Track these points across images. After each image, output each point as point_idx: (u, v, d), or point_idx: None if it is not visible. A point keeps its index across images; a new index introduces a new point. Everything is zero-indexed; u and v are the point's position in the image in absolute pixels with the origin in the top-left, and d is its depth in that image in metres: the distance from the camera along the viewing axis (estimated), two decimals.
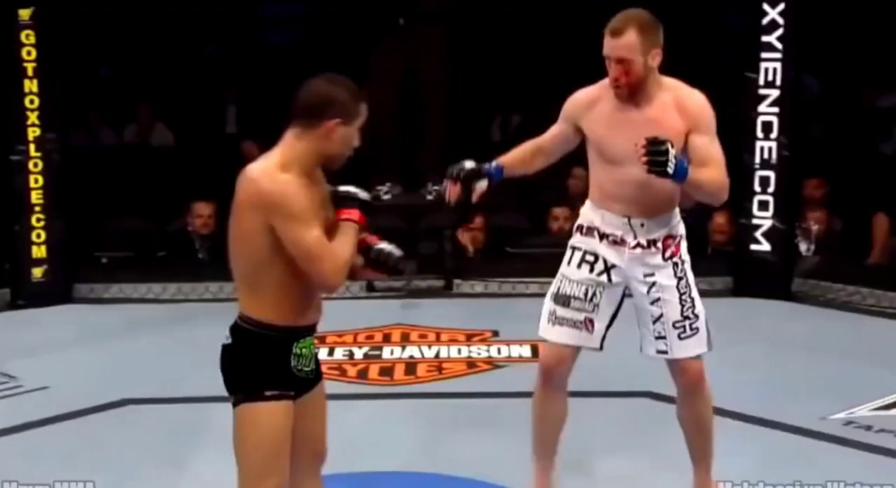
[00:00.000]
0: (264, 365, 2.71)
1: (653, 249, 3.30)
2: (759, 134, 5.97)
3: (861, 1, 8.03)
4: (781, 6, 5.83)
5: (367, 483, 3.74)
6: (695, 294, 3.33)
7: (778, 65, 5.91)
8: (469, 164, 3.49)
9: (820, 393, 4.49)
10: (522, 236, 7.11)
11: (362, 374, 4.92)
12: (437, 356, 5.17)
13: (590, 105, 3.35)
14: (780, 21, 5.84)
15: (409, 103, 6.14)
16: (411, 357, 5.16)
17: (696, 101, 3.25)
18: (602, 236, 3.35)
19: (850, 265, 6.48)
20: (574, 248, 3.42)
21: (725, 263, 6.24)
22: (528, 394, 4.63)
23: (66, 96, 6.23)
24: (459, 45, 7.57)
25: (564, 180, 7.23)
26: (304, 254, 2.60)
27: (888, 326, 5.56)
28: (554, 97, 9.69)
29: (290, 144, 2.69)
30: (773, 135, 5.93)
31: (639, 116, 3.21)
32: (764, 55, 5.89)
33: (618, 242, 3.32)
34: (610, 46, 3.18)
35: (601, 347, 3.45)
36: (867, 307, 5.86)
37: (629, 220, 3.30)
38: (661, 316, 3.31)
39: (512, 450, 4.02)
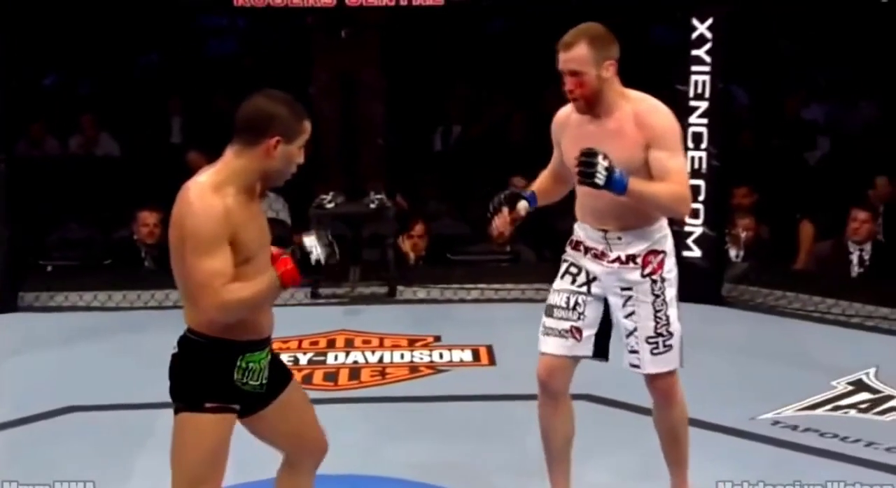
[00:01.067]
0: (206, 377, 2.69)
1: (631, 264, 3.25)
2: (690, 144, 6.06)
3: (785, 16, 8.20)
4: (710, 21, 5.93)
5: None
6: (671, 312, 3.28)
7: (707, 78, 6.01)
8: (505, 192, 3.48)
9: (749, 395, 4.58)
10: (463, 243, 7.15)
11: (307, 380, 4.91)
12: (380, 361, 5.18)
13: (564, 123, 3.36)
14: (708, 35, 5.93)
15: (350, 113, 6.14)
16: (355, 362, 5.17)
17: (656, 115, 3.20)
18: (586, 250, 3.35)
19: (777, 270, 6.60)
20: (563, 261, 3.43)
21: None
22: (469, 398, 4.71)
23: (10, 107, 6.14)
24: (399, 56, 7.61)
25: (504, 188, 7.27)
26: (192, 283, 2.58)
27: (814, 329, 5.66)
28: (491, 107, 9.81)
29: (229, 162, 2.65)
30: (703, 145, 6.02)
31: (598, 129, 3.21)
32: (693, 68, 5.98)
33: (598, 256, 3.31)
34: (562, 60, 3.18)
35: (601, 356, 3.39)
36: (793, 311, 5.97)
37: (605, 234, 3.28)
38: (635, 330, 3.28)
39: (453, 453, 4.06)
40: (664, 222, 3.30)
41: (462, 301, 6.23)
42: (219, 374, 2.69)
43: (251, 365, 2.74)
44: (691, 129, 6.08)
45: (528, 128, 8.92)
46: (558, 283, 3.39)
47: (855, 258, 6.30)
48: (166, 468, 2.75)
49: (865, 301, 5.76)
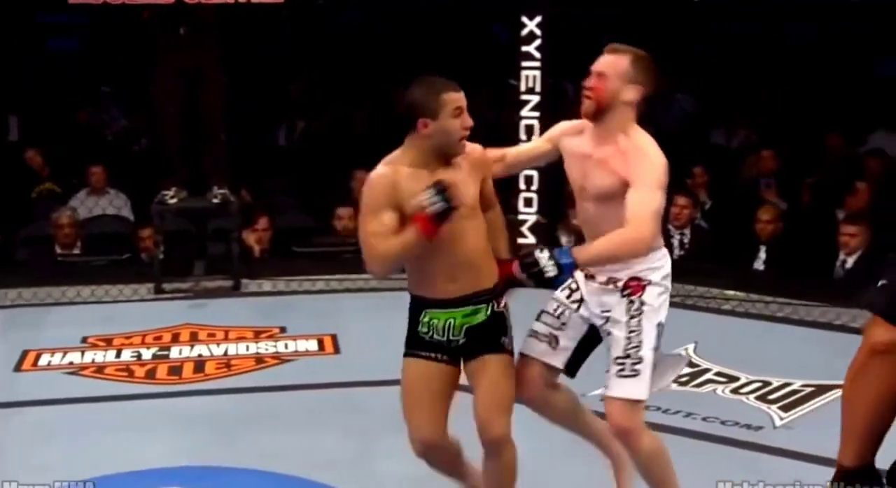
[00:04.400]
0: (409, 327, 3.04)
1: (611, 287, 3.08)
2: (523, 136, 6.16)
3: (612, 12, 8.41)
4: (538, 19, 6.03)
5: (158, 479, 3.65)
6: (645, 339, 3.04)
7: (537, 73, 6.11)
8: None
9: (580, 373, 4.65)
10: (308, 236, 7.09)
11: (151, 374, 4.79)
12: (225, 353, 5.09)
13: (573, 133, 3.17)
14: (538, 32, 6.03)
15: (192, 110, 6.00)
16: (200, 355, 5.06)
17: (639, 153, 2.99)
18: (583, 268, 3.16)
19: None
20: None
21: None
22: (314, 386, 4.67)
23: None
24: (241, 53, 7.49)
25: (348, 181, 7.27)
26: (360, 240, 2.91)
27: None
28: (336, 103, 9.76)
29: (404, 145, 2.97)
30: (535, 137, 6.11)
31: (593, 153, 3.06)
32: (524, 64, 6.07)
33: (588, 276, 3.13)
34: (600, 60, 3.07)
35: (568, 372, 3.19)
36: None
37: None
38: (609, 350, 3.09)
39: (300, 442, 4.02)
40: (656, 257, 3.08)
41: (307, 292, 6.18)
42: (411, 326, 3.03)
43: (433, 321, 2.98)
44: (524, 122, 6.19)
45: (371, 122, 8.92)
46: (556, 293, 3.20)
47: (676, 242, 6.51)
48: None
49: (685, 281, 5.94)
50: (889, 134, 7.93)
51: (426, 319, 2.98)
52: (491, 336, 2.99)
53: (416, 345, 3.03)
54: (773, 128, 8.29)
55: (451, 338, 2.98)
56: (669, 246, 6.54)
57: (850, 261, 6.05)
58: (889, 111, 8.07)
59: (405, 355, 3.04)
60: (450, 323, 2.97)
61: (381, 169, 2.94)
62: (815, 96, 8.65)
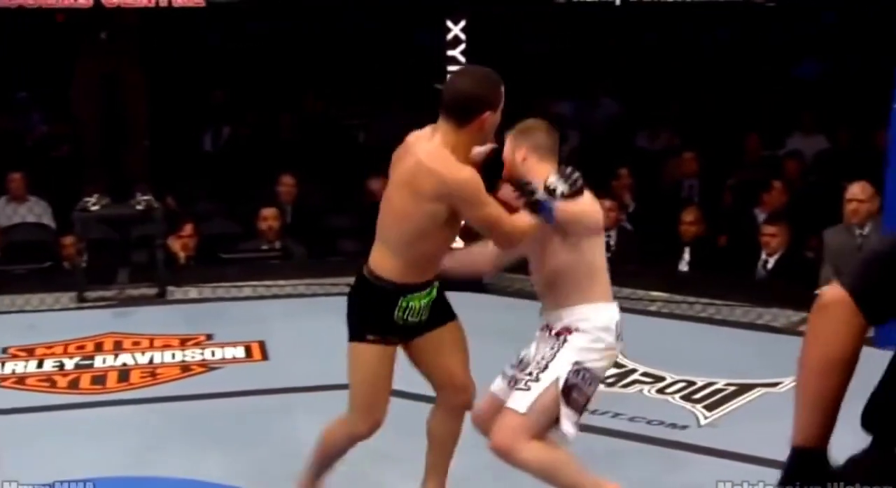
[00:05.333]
0: (370, 313, 3.07)
1: (548, 333, 3.17)
2: None
3: (534, 17, 8.47)
4: (463, 23, 6.04)
5: None
6: (553, 365, 3.07)
7: None
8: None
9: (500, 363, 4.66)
10: (234, 242, 7.02)
11: (74, 384, 4.70)
12: (150, 362, 5.00)
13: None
14: (462, 36, 6.04)
15: (113, 115, 5.90)
16: (124, 364, 4.97)
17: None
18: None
19: None
20: None
21: None
22: (242, 394, 4.62)
23: None
24: (164, 57, 7.39)
25: (273, 185, 7.23)
26: (487, 225, 2.97)
27: None
28: (260, 108, 9.67)
29: (448, 136, 2.94)
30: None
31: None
32: (450, 68, 6.08)
33: (543, 327, 3.21)
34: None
35: None
36: None
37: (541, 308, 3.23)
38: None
39: (227, 449, 3.97)
40: (588, 309, 3.13)
41: (234, 299, 6.11)
42: (383, 313, 3.06)
43: (412, 304, 3.07)
44: None
45: (295, 127, 8.86)
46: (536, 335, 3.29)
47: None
48: None
49: (614, 283, 6.00)
50: (806, 136, 8.11)
51: (405, 304, 3.08)
52: (444, 307, 3.21)
53: (387, 330, 3.09)
54: (695, 130, 8.42)
55: (422, 317, 3.13)
56: None
57: (772, 262, 6.16)
58: (806, 114, 8.26)
59: (371, 342, 3.08)
60: (423, 303, 3.12)
61: (468, 168, 2.94)
62: (734, 99, 8.80)
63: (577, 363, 3.08)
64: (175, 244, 6.51)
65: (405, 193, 2.99)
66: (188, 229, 6.62)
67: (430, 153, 2.95)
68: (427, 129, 3.04)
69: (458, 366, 3.25)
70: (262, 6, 8.02)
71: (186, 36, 9.05)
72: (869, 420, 1.99)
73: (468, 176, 2.92)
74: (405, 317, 3.10)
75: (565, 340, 3.12)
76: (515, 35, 8.77)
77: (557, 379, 3.05)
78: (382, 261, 3.07)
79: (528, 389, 3.06)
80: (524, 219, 3.00)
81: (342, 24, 9.23)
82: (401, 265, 3.05)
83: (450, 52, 6.07)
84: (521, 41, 9.27)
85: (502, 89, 2.99)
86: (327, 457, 3.31)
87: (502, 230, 2.98)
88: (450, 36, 6.06)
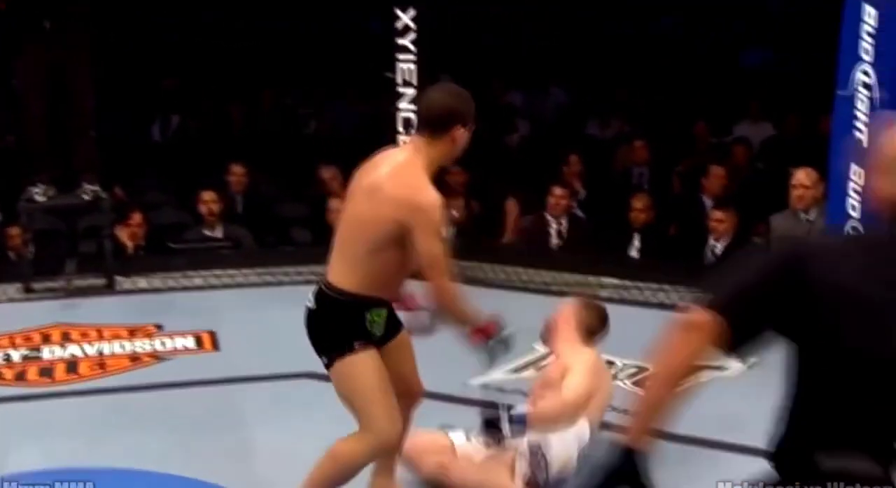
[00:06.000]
0: (350, 324, 3.06)
1: None
2: (400, 129, 6.15)
3: (486, 6, 8.48)
4: (412, 12, 6.02)
5: (37, 481, 3.51)
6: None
7: (413, 66, 6.10)
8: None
9: (462, 362, 4.67)
10: (183, 231, 6.95)
11: (20, 376, 4.63)
12: (99, 353, 4.95)
13: None
14: (413, 25, 6.02)
15: (59, 105, 5.80)
16: (73, 356, 4.91)
17: None
18: None
19: (486, 245, 6.80)
20: None
21: None
22: (192, 384, 4.58)
23: None
24: (111, 47, 7.28)
25: (224, 176, 7.17)
26: (426, 257, 2.96)
27: (519, 298, 5.88)
28: (207, 98, 9.56)
29: (422, 149, 3.01)
30: (413, 130, 6.10)
31: None
32: (400, 57, 6.06)
33: None
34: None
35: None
36: (500, 282, 6.18)
37: None
38: None
39: (180, 440, 3.94)
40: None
41: (185, 289, 6.05)
42: (358, 322, 3.06)
43: (376, 318, 3.10)
44: (401, 115, 6.17)
45: (246, 117, 8.79)
46: None
47: (553, 231, 6.60)
48: None
49: (563, 269, 6.03)
50: (753, 124, 8.19)
51: (371, 317, 3.10)
52: (395, 318, 3.28)
53: (368, 337, 3.09)
54: (645, 119, 8.48)
55: (383, 330, 3.17)
56: (548, 234, 6.63)
57: (720, 247, 6.22)
58: (753, 102, 8.33)
59: (360, 348, 3.06)
60: (384, 317, 3.16)
61: (434, 193, 2.96)
62: (683, 88, 8.87)
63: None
64: (123, 233, 6.43)
65: (367, 207, 3.01)
66: (136, 218, 6.54)
67: (399, 166, 3.00)
68: (396, 149, 3.13)
69: (414, 375, 3.35)
70: None
71: (137, 24, 8.94)
72: (779, 461, 2.09)
73: (432, 201, 2.94)
74: (372, 329, 3.12)
75: None
76: (467, 25, 8.76)
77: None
78: (343, 275, 3.07)
79: None
80: (463, 302, 3.09)
81: (293, 14, 9.18)
82: (361, 278, 3.05)
83: (400, 41, 6.05)
84: (472, 31, 9.27)
85: (474, 109, 3.04)
86: (341, 480, 3.21)
87: (438, 271, 2.99)
88: (399, 24, 6.03)
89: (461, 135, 3.02)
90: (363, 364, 3.07)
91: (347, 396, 3.10)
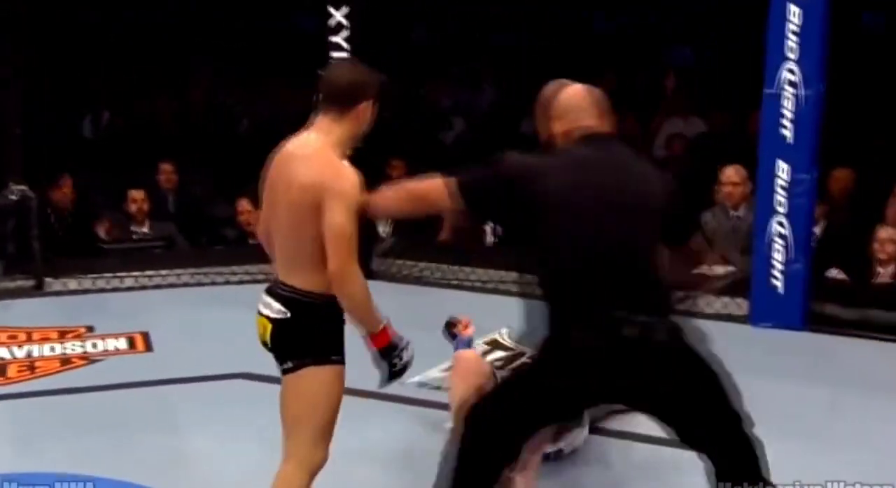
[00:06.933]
0: (331, 332, 2.82)
1: None
2: None
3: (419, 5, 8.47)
4: (345, 9, 5.99)
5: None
6: None
7: None
8: None
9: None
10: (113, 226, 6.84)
11: None
12: (28, 355, 4.86)
13: None
14: (346, 23, 6.00)
15: None
16: (1, 359, 4.80)
17: None
18: None
19: (421, 244, 6.79)
20: None
21: None
22: (125, 386, 4.51)
23: None
24: (39, 40, 7.12)
25: (154, 173, 7.08)
26: (342, 238, 2.72)
27: (454, 296, 5.90)
28: (140, 97, 9.37)
29: (331, 129, 2.81)
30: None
31: None
32: (333, 54, 6.03)
33: None
34: None
35: None
36: (436, 280, 6.19)
37: None
38: None
39: (112, 443, 3.88)
40: None
41: (116, 290, 5.97)
42: (338, 332, 2.82)
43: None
44: None
45: (176, 114, 8.68)
46: None
47: (489, 229, 6.62)
48: None
49: (497, 267, 6.06)
50: (682, 119, 8.28)
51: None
52: None
53: (342, 353, 2.85)
54: None
55: None
56: (483, 233, 6.65)
57: None
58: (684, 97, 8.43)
59: (335, 362, 2.81)
60: None
61: (353, 173, 2.76)
62: (614, 83, 8.93)
63: None
64: (55, 196, 6.26)
65: (295, 201, 2.78)
66: (67, 182, 6.38)
67: (314, 152, 2.79)
68: (303, 134, 2.86)
69: None
70: None
71: (65, 19, 8.76)
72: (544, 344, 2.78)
73: (349, 176, 2.74)
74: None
75: None
76: (401, 23, 8.75)
77: None
78: (304, 277, 2.79)
79: None
80: (368, 297, 2.78)
81: (227, 9, 9.08)
82: (320, 276, 2.78)
83: (332, 38, 6.02)
84: (406, 29, 9.26)
85: (380, 84, 2.87)
86: None
87: (345, 248, 2.71)
88: (332, 22, 6.00)
89: (367, 109, 2.84)
90: (333, 383, 2.81)
91: (304, 410, 2.81)
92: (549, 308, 2.74)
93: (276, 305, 2.81)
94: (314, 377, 2.79)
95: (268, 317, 2.82)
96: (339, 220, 2.70)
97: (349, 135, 2.84)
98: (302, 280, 2.80)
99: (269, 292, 2.86)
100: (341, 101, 2.82)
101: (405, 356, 2.87)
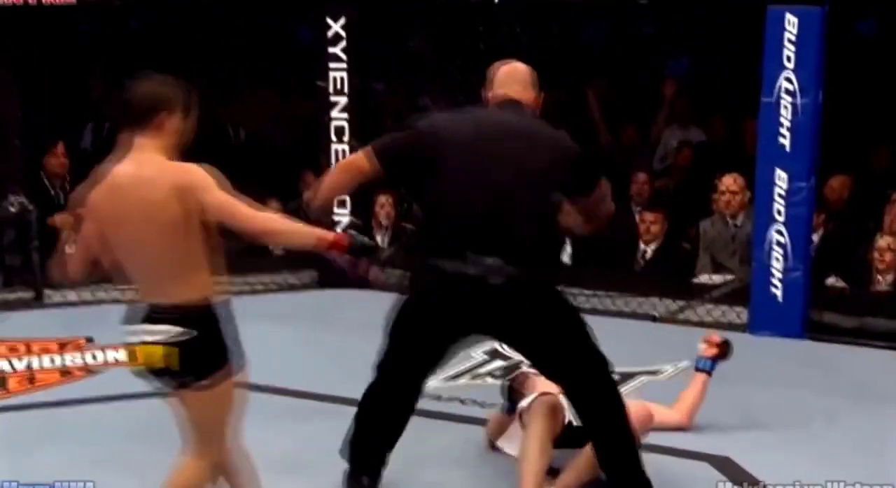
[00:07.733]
0: (235, 340, 2.82)
1: None
2: (333, 137, 6.15)
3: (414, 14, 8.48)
4: (343, 20, 6.02)
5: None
6: None
7: (344, 74, 6.10)
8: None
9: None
10: None
11: None
12: (28, 367, 4.86)
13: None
14: (343, 34, 6.03)
15: None
16: (1, 371, 4.80)
17: None
18: None
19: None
20: None
21: (309, 258, 6.35)
22: (126, 397, 4.50)
23: None
24: (37, 51, 7.15)
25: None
26: (250, 219, 2.78)
27: None
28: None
29: (149, 145, 2.81)
30: (346, 138, 6.12)
31: None
32: (332, 65, 6.06)
33: None
34: None
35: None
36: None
37: None
38: None
39: (113, 454, 3.88)
40: None
41: (116, 301, 5.95)
42: (234, 328, 2.82)
43: None
44: (333, 123, 6.17)
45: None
46: None
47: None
48: None
49: None
50: (681, 128, 8.30)
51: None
52: None
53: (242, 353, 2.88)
54: (575, 125, 8.53)
55: None
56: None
57: (650, 252, 6.31)
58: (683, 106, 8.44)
59: (234, 371, 2.83)
60: None
61: (187, 163, 2.81)
62: (612, 93, 8.95)
63: None
64: (50, 162, 6.29)
65: (157, 223, 2.73)
66: (60, 148, 6.44)
67: (148, 171, 2.76)
68: (120, 165, 2.81)
69: None
70: (143, 3, 7.86)
71: (63, 30, 8.79)
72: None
73: (193, 168, 2.77)
74: None
75: None
76: (399, 33, 8.77)
77: None
78: (186, 289, 2.76)
79: None
80: (273, 218, 2.83)
81: (224, 20, 9.10)
82: (205, 278, 2.79)
83: (331, 50, 6.04)
84: (403, 39, 9.29)
85: (185, 96, 2.85)
86: None
87: (242, 212, 2.75)
88: (330, 33, 6.03)
89: (170, 121, 2.79)
90: (232, 393, 2.85)
91: (211, 420, 2.87)
92: (419, 242, 3.22)
93: (169, 328, 2.76)
94: (227, 384, 2.83)
95: (163, 343, 2.77)
96: (218, 197, 2.74)
97: (160, 146, 2.80)
98: (185, 293, 2.76)
99: (148, 319, 2.81)
100: (138, 117, 2.80)
101: (358, 237, 2.92)
